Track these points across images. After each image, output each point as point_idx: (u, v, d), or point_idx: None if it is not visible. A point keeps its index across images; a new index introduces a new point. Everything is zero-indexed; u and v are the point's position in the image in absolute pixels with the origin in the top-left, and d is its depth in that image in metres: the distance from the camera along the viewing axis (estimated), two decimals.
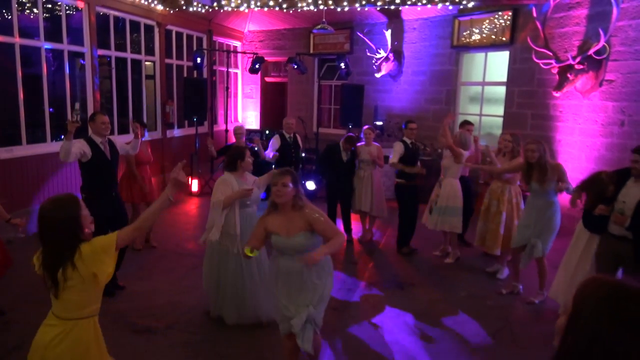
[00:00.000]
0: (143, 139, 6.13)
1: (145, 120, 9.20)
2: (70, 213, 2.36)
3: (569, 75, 7.08)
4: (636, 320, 1.07)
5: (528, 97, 8.30)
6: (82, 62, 8.25)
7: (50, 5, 7.71)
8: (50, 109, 7.42)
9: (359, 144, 6.75)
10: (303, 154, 7.09)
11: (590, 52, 6.86)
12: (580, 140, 7.41)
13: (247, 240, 3.54)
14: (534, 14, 7.59)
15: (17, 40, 6.66)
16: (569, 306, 1.21)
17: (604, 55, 6.85)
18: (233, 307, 4.34)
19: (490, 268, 5.79)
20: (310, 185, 8.49)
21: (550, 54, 7.41)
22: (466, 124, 6.62)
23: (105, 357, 2.57)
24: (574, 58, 6.98)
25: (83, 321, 2.41)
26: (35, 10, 7.29)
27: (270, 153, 6.93)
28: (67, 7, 7.65)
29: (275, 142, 7.06)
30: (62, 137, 7.47)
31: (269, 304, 4.14)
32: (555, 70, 7.33)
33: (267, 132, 9.93)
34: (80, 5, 7.68)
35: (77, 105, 4.66)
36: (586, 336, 1.12)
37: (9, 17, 6.77)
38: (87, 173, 4.79)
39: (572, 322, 1.16)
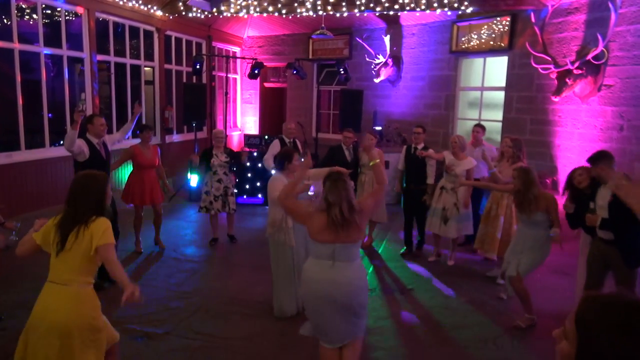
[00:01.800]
0: (151, 143, 6.30)
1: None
2: (99, 186, 2.78)
3: (567, 80, 7.09)
4: (635, 328, 1.08)
5: (527, 102, 8.31)
6: (81, 67, 8.25)
7: (49, 11, 7.73)
8: (49, 115, 7.42)
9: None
10: (302, 159, 7.05)
11: (589, 57, 6.87)
12: (579, 145, 7.41)
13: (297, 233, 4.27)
14: (533, 20, 7.62)
15: (17, 45, 6.67)
16: (568, 328, 1.21)
17: (603, 60, 6.86)
18: (292, 297, 4.56)
19: (490, 273, 5.78)
20: (310, 190, 8.45)
21: (549, 59, 7.43)
22: (476, 126, 6.62)
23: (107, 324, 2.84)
24: (572, 63, 6.99)
25: (83, 286, 2.67)
26: (34, 16, 7.30)
27: (267, 162, 6.91)
28: (66, 13, 7.66)
29: (274, 148, 7.02)
30: (62, 142, 7.49)
31: None
32: (553, 76, 7.35)
33: (266, 137, 9.92)
34: (80, 11, 7.70)
35: (83, 95, 4.99)
36: (593, 353, 1.12)
37: (9, 22, 6.78)
38: None
39: (580, 344, 1.16)
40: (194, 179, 9.10)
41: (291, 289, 4.59)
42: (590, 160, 4.10)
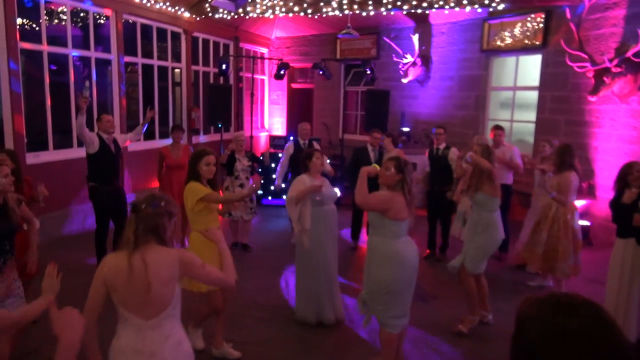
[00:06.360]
0: (182, 142, 6.61)
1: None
2: (195, 156, 3.67)
3: (605, 79, 6.74)
4: (571, 329, 1.11)
5: (561, 102, 7.95)
6: (108, 68, 8.37)
7: (82, 14, 7.87)
8: None
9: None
10: (328, 160, 6.92)
11: (629, 54, 6.51)
12: (617, 147, 7.02)
13: (320, 236, 4.30)
14: (568, 16, 7.27)
15: (45, 47, 6.79)
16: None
17: None
18: (313, 306, 4.43)
19: (533, 282, 5.49)
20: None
21: (585, 56, 7.08)
22: (496, 128, 6.34)
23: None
24: (610, 61, 6.64)
25: (196, 231, 3.63)
26: (64, 18, 7.45)
27: (277, 180, 6.87)
28: (95, 15, 7.78)
29: (289, 151, 6.94)
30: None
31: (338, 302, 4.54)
32: (590, 74, 7.00)
33: (290, 138, 9.83)
34: (108, 13, 7.80)
35: (87, 83, 5.74)
36: (527, 349, 1.16)
37: (37, 25, 6.92)
38: (93, 164, 5.45)
39: (515, 339, 1.20)
40: None
41: (312, 297, 4.43)
42: None
